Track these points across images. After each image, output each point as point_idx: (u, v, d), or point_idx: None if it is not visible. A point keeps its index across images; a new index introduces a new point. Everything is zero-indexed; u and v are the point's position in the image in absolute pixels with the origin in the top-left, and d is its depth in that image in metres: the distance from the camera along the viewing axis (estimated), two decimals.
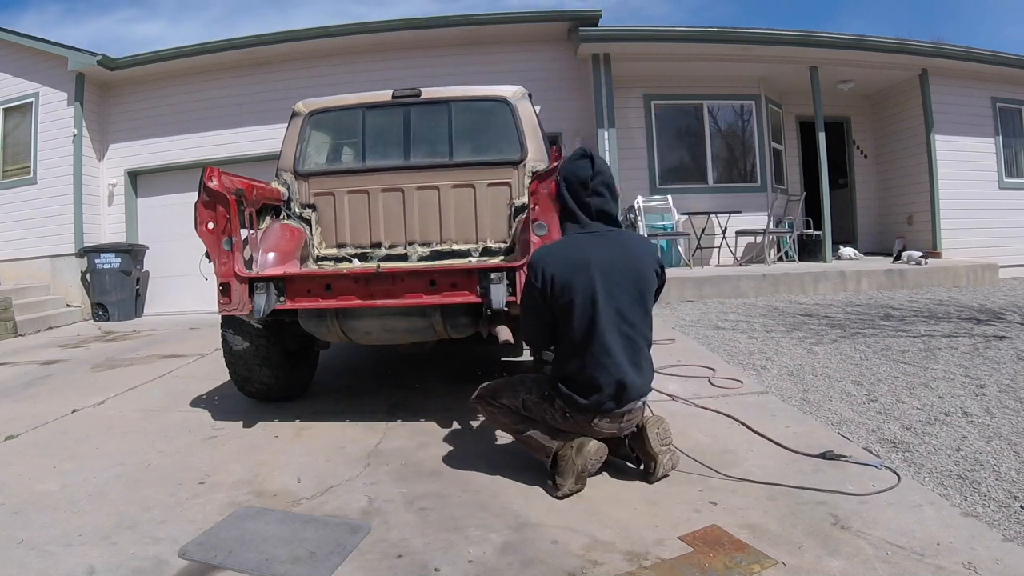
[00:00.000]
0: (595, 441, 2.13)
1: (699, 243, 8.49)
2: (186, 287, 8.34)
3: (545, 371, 2.44)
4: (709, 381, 3.53)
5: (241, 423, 3.08)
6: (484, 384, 2.37)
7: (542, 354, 2.59)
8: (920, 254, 8.25)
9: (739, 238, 8.59)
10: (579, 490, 2.09)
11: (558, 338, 2.21)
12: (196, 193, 2.78)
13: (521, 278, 2.62)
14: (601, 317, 2.07)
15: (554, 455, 2.15)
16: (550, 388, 2.19)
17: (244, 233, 3.04)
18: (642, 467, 2.22)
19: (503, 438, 2.72)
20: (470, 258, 3.56)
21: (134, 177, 9.10)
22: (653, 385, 3.35)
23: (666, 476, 2.18)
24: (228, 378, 3.38)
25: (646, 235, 8.06)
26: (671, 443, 2.22)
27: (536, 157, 3.57)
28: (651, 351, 2.25)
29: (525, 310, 2.28)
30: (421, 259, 3.62)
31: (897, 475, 2.12)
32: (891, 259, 8.96)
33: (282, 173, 3.75)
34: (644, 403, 2.22)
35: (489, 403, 2.31)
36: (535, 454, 2.23)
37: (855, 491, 2.00)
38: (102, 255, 8.19)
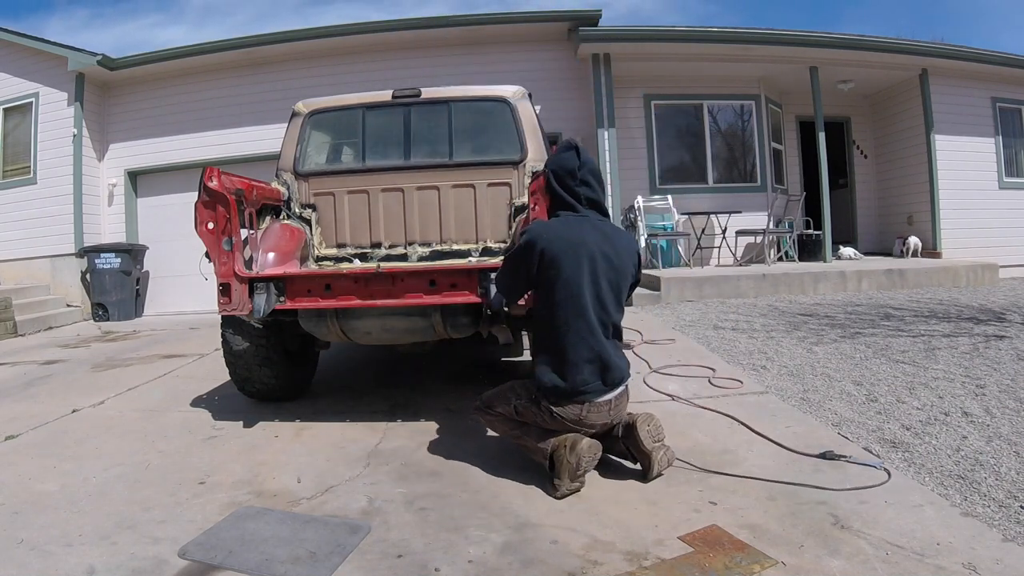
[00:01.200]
0: (587, 439, 2.14)
1: (699, 243, 8.49)
2: (186, 287, 8.34)
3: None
4: (709, 381, 3.53)
5: (241, 423, 3.08)
6: (481, 395, 2.40)
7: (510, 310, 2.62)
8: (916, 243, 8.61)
9: (739, 238, 8.59)
10: (577, 489, 2.09)
11: (538, 322, 2.24)
12: (196, 193, 2.78)
13: None
14: (585, 296, 2.13)
15: (551, 456, 2.15)
16: (535, 389, 2.22)
17: (244, 233, 3.04)
18: (638, 465, 2.22)
19: (503, 438, 2.72)
20: (470, 258, 3.56)
21: (134, 177, 9.10)
22: (653, 385, 3.36)
23: (661, 474, 2.18)
24: (228, 378, 3.38)
25: (646, 235, 8.07)
26: (663, 439, 2.22)
27: (536, 157, 3.57)
28: (624, 344, 2.32)
29: (507, 267, 2.33)
30: (421, 259, 3.62)
31: (888, 472, 2.13)
32: (892, 256, 8.96)
33: (282, 173, 3.75)
34: (627, 387, 2.25)
35: (487, 413, 2.36)
36: (534, 457, 2.25)
37: (844, 487, 2.01)
38: (102, 255, 8.19)
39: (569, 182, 2.25)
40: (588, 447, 2.11)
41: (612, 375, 2.16)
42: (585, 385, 2.13)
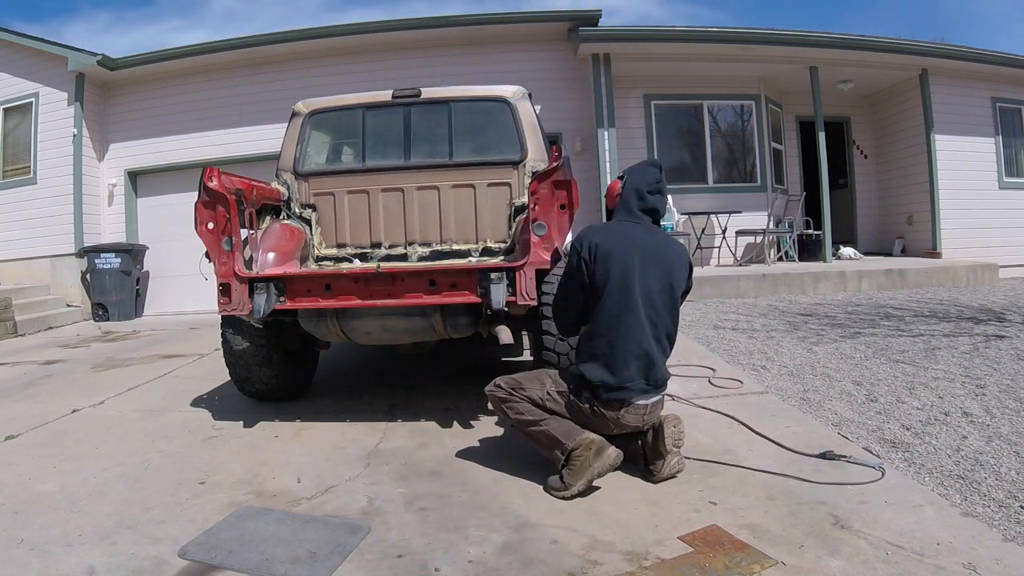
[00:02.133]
0: (613, 448, 2.10)
1: (699, 243, 8.49)
2: (186, 287, 8.33)
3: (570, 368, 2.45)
4: (709, 381, 3.53)
5: (241, 423, 3.08)
6: (504, 376, 2.33)
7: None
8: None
9: (739, 238, 8.59)
10: (584, 493, 2.08)
11: (590, 315, 2.25)
12: (196, 193, 2.78)
13: (520, 278, 2.62)
14: (635, 290, 2.17)
15: (568, 453, 2.09)
16: (575, 381, 2.22)
17: (244, 233, 3.04)
18: (647, 466, 2.22)
19: (503, 438, 2.72)
20: (470, 258, 3.56)
21: (134, 177, 9.10)
22: None
23: (672, 477, 2.18)
24: (228, 378, 3.38)
25: None
26: (681, 446, 2.22)
27: (536, 157, 3.57)
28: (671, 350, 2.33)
29: (561, 287, 2.36)
30: (421, 259, 3.62)
31: (882, 470, 2.13)
32: (892, 256, 8.96)
33: (282, 173, 3.75)
34: (664, 395, 2.27)
35: (511, 393, 2.26)
36: (545, 451, 2.18)
37: (844, 487, 2.01)
38: (102, 255, 8.19)
39: (644, 192, 2.34)
40: (614, 456, 2.08)
41: (655, 374, 2.18)
42: (631, 382, 2.14)
